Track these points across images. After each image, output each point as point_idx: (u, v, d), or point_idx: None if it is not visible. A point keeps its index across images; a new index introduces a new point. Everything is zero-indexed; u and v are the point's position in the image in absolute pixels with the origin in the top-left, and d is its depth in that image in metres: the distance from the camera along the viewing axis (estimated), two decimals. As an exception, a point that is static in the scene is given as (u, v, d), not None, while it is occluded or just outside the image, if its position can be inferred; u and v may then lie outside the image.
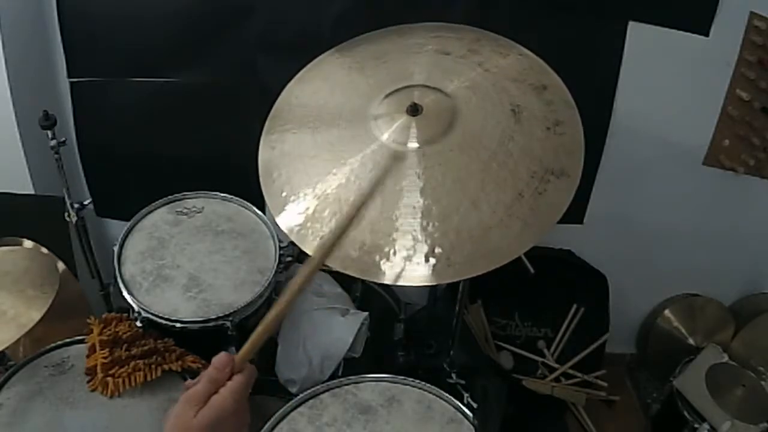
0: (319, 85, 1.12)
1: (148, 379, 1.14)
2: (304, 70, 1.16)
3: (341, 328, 1.39)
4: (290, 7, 1.53)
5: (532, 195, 0.89)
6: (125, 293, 1.28)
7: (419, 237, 0.88)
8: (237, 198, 1.50)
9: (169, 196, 1.48)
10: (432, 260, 0.86)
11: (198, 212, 1.47)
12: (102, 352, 1.17)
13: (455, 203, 0.89)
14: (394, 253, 0.87)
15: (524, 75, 1.03)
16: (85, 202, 1.49)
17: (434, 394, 1.14)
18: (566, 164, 0.92)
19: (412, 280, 0.86)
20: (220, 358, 0.71)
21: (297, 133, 1.05)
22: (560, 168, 0.91)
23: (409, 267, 0.87)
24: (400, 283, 0.87)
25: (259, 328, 0.76)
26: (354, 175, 0.94)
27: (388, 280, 0.87)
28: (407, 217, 0.89)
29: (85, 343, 1.21)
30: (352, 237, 0.86)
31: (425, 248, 0.87)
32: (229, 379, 0.70)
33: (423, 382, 1.15)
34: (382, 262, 0.87)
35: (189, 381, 0.73)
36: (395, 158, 0.92)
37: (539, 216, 0.88)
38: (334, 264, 0.86)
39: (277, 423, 1.09)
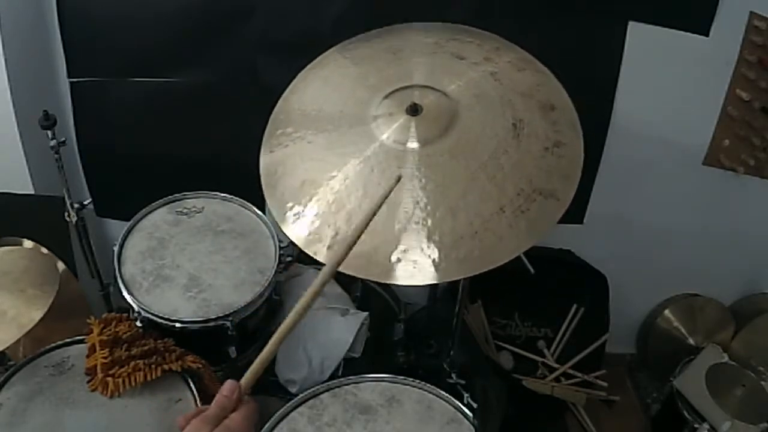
0: (322, 83, 1.12)
1: (148, 379, 1.14)
2: (308, 67, 1.15)
3: (341, 328, 1.39)
4: (290, 7, 1.53)
5: (513, 212, 0.87)
6: (125, 293, 1.28)
7: (390, 236, 0.87)
8: (237, 198, 1.49)
9: (169, 196, 1.48)
10: (398, 260, 0.85)
11: (198, 212, 1.47)
12: (102, 352, 1.17)
13: (433, 208, 0.88)
14: (363, 245, 0.86)
15: (535, 91, 1.01)
16: (85, 202, 1.49)
17: (434, 394, 1.14)
18: (558, 187, 0.90)
19: (378, 276, 0.86)
20: (226, 386, 0.76)
21: (298, 133, 1.05)
22: (550, 190, 0.89)
23: (374, 260, 0.86)
24: (364, 276, 0.87)
25: (263, 354, 0.78)
26: (354, 174, 0.94)
27: (355, 272, 0.87)
28: (383, 213, 0.89)
29: (85, 343, 1.21)
30: (327, 225, 0.86)
31: (395, 248, 0.86)
32: (235, 408, 0.75)
33: (423, 382, 1.15)
34: (351, 254, 0.87)
35: (180, 418, 0.76)
36: (398, 165, 0.91)
37: (517, 234, 0.86)
38: (305, 246, 0.87)
39: (277, 423, 1.09)
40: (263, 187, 1.01)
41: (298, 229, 0.94)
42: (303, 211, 0.95)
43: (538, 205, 0.88)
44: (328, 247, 0.89)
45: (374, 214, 0.86)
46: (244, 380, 0.77)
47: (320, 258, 0.89)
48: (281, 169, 1.01)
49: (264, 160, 1.05)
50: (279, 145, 1.04)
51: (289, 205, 0.97)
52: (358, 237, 0.84)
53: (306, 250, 0.91)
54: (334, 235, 0.89)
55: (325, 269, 0.83)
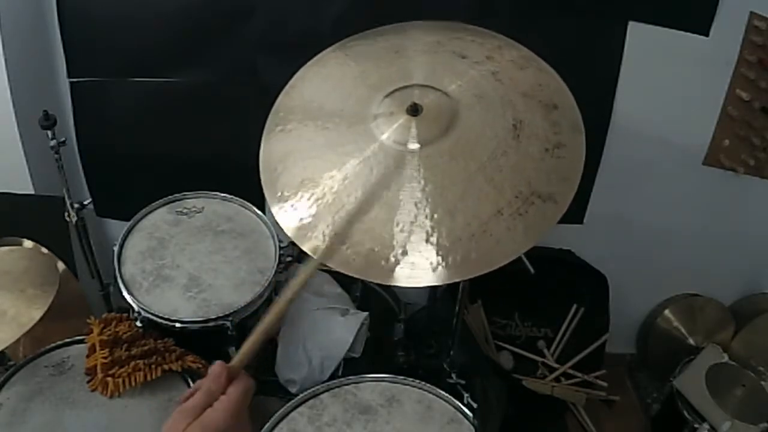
0: (323, 80, 1.12)
1: (148, 379, 1.14)
2: (309, 64, 1.15)
3: (341, 328, 1.39)
4: (290, 7, 1.53)
5: (511, 215, 0.86)
6: (125, 293, 1.28)
7: (388, 237, 0.87)
8: (237, 198, 1.50)
9: (169, 196, 1.48)
10: (396, 261, 0.85)
11: (198, 212, 1.47)
12: (102, 352, 1.17)
13: (431, 209, 0.88)
14: (361, 246, 0.87)
15: (536, 91, 1.00)
16: (85, 202, 1.49)
17: (434, 394, 1.14)
18: (557, 190, 0.89)
19: (376, 277, 0.86)
20: (214, 368, 0.69)
21: (298, 130, 1.05)
22: (549, 192, 0.88)
23: (372, 262, 0.86)
24: (361, 277, 0.86)
25: (253, 335, 0.76)
26: (353, 174, 0.94)
27: (352, 272, 0.87)
28: (379, 213, 0.88)
29: (85, 343, 1.21)
30: (325, 224, 0.86)
31: (393, 249, 0.86)
32: (224, 391, 0.69)
33: (423, 382, 1.15)
34: (347, 252, 0.87)
35: (185, 394, 0.70)
36: (397, 165, 0.91)
37: (514, 237, 0.85)
38: (303, 245, 0.88)
39: (277, 423, 1.09)
40: (262, 183, 1.01)
41: (296, 227, 0.94)
42: (301, 209, 0.95)
43: (536, 208, 0.87)
44: (326, 247, 0.89)
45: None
46: (234, 361, 0.72)
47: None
48: (281, 167, 1.01)
49: (263, 156, 1.05)
50: (278, 142, 1.04)
51: (288, 202, 0.97)
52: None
53: (304, 249, 0.91)
54: (333, 235, 0.89)
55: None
